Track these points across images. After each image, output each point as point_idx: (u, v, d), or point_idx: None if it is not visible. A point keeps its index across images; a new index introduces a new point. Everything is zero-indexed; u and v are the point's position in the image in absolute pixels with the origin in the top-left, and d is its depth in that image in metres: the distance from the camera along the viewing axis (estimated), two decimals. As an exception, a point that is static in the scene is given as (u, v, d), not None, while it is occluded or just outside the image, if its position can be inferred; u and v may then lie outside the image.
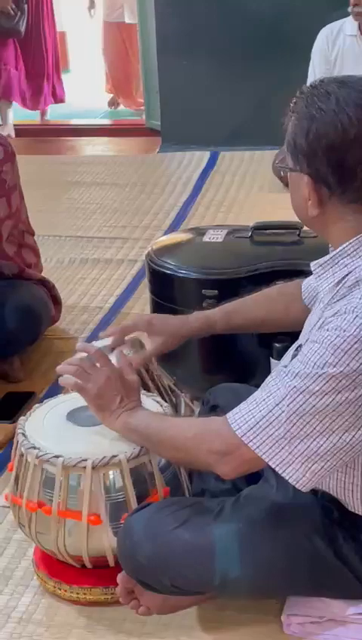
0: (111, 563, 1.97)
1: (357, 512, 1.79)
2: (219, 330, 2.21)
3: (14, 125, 6.78)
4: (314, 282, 1.83)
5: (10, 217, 2.91)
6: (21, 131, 6.67)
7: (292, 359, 1.76)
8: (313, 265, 1.76)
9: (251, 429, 1.64)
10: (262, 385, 1.69)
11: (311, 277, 2.05)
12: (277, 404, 1.61)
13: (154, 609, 1.96)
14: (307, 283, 2.10)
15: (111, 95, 7.66)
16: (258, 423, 1.63)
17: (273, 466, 1.64)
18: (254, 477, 2.02)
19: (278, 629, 1.94)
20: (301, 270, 2.62)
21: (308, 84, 1.75)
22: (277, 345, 2.58)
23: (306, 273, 2.12)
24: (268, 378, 1.69)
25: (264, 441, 1.63)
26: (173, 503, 1.90)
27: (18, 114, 7.44)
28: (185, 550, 1.80)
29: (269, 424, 1.62)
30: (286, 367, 1.66)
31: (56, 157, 5.95)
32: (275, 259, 2.73)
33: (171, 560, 1.81)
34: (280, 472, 1.64)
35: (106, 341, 2.36)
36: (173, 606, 1.97)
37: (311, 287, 2.06)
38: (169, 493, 1.98)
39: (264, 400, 1.64)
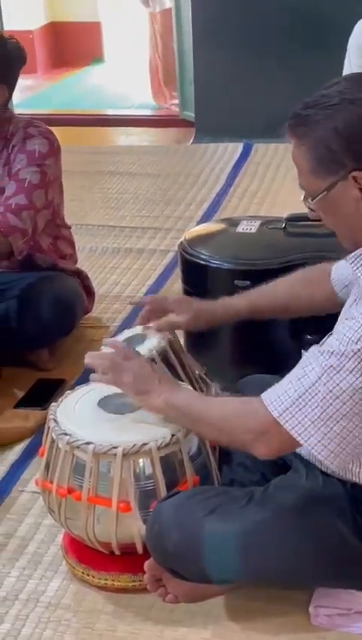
0: (140, 550, 1.98)
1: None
2: (244, 317, 2.24)
3: (50, 115, 6.78)
4: (350, 271, 1.81)
5: (47, 207, 2.93)
6: (55, 120, 6.66)
7: None
8: (349, 258, 1.73)
9: (287, 409, 1.63)
10: (298, 364, 1.69)
11: (343, 262, 2.03)
12: (313, 384, 1.61)
13: (181, 597, 1.97)
14: (340, 270, 2.08)
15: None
16: (294, 403, 1.63)
17: (309, 448, 1.64)
18: (283, 467, 2.02)
19: (306, 620, 1.94)
20: (334, 262, 2.62)
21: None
22: (309, 337, 2.57)
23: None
24: (303, 357, 1.68)
25: (299, 422, 1.63)
26: (203, 491, 1.90)
27: (54, 103, 7.47)
28: (212, 538, 1.81)
29: (305, 405, 1.62)
30: (321, 345, 1.65)
31: (90, 147, 5.95)
32: (308, 251, 2.72)
33: (198, 548, 1.81)
34: (315, 454, 1.64)
35: (136, 329, 2.37)
36: (200, 594, 1.97)
37: (344, 275, 2.04)
38: (198, 483, 1.98)
39: (299, 380, 1.63)
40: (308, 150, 1.66)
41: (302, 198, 1.73)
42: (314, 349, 1.66)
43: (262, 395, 1.70)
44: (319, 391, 1.61)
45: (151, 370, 1.94)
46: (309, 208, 1.72)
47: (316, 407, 1.61)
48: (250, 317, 2.23)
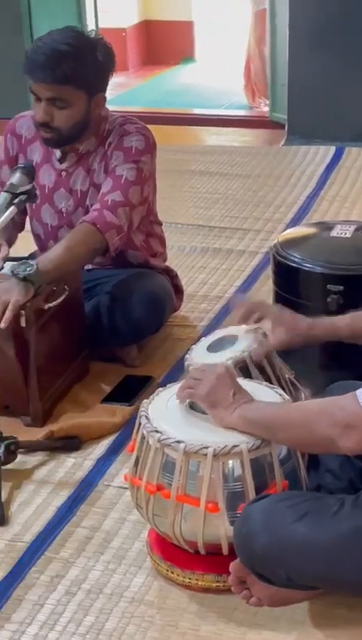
0: (225, 551, 1.98)
1: None
2: (343, 338, 2.21)
3: (140, 113, 6.82)
4: None
5: (142, 204, 2.94)
6: (145, 118, 6.68)
7: None
8: None
9: None
10: None
11: None
12: None
13: (265, 600, 1.96)
14: None
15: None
16: None
17: None
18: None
19: (390, 631, 1.93)
20: None
21: None
22: None
23: None
24: None
25: None
26: (292, 496, 1.89)
27: (144, 101, 7.51)
28: (302, 544, 1.80)
29: None
30: None
31: (179, 145, 5.97)
32: None
33: (287, 553, 1.80)
34: None
35: (229, 330, 2.37)
36: (284, 599, 1.96)
37: None
38: (287, 487, 1.97)
39: None
40: None
41: None
42: None
43: (356, 391, 1.69)
44: None
45: (228, 381, 1.95)
46: None
47: None
48: (349, 339, 2.22)
